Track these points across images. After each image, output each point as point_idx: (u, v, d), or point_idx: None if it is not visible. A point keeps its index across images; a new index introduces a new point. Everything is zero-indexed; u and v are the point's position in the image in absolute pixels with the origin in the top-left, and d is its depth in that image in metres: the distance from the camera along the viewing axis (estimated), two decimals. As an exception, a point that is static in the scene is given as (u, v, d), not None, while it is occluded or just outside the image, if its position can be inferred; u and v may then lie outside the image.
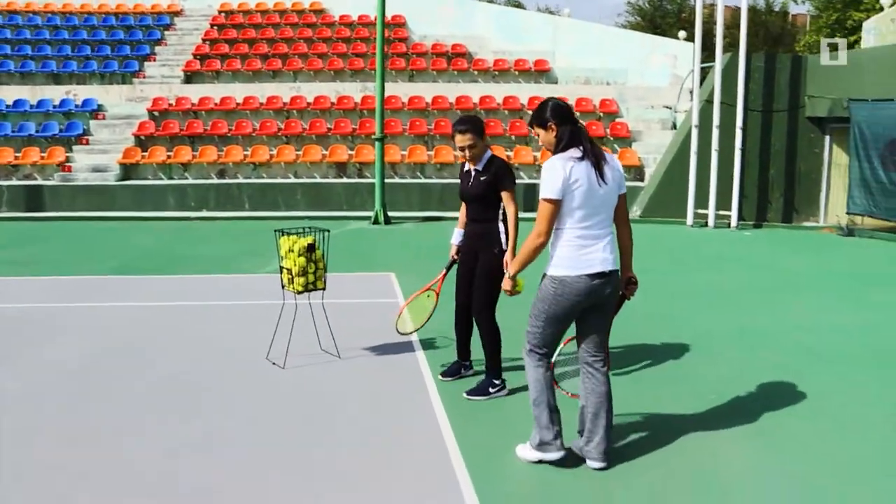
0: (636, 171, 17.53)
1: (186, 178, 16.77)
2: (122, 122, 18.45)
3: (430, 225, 14.73)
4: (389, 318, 6.36)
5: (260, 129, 17.80)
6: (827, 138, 15.64)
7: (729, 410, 4.87)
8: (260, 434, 4.44)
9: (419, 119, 18.24)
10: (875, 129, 13.73)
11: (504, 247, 4.86)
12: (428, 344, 6.23)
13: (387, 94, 19.12)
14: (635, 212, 15.78)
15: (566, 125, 3.92)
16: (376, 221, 14.63)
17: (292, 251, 5.55)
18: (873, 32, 16.35)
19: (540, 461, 4.00)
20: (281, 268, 5.68)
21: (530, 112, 18.76)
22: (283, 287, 5.74)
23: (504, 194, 4.86)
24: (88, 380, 5.36)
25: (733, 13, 49.94)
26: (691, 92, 20.92)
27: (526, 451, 4.07)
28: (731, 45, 22.69)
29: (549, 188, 3.82)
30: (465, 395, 5.00)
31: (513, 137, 18.10)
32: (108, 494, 3.70)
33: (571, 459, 4.01)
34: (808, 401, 5.07)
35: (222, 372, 5.59)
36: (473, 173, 4.97)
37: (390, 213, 14.92)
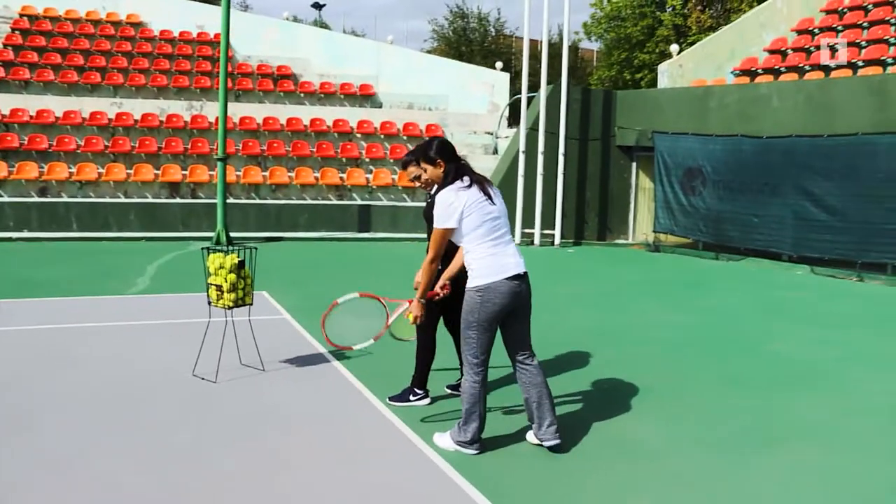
0: (464, 193, 18.55)
1: (1, 196, 15.48)
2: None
3: (274, 245, 14.74)
4: (288, 333, 6.58)
5: (85, 145, 16.82)
6: (634, 165, 17.58)
7: (630, 387, 5.71)
8: (230, 448, 4.55)
9: (251, 140, 18.12)
10: (675, 159, 15.69)
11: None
12: (338, 354, 6.52)
13: (216, 114, 18.86)
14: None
15: (452, 162, 4.48)
16: (218, 242, 14.39)
17: (223, 268, 5.66)
18: (666, 74, 18.62)
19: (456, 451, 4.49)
20: (209, 284, 5.75)
21: (360, 135, 19.46)
22: (209, 304, 5.81)
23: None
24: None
25: (532, 45, 53.80)
26: (508, 118, 22.57)
27: (445, 441, 4.53)
28: (531, 76, 24.60)
29: (442, 218, 4.35)
30: (387, 398, 5.35)
31: (344, 160, 18.48)
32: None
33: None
34: (682, 376, 6.02)
35: (156, 390, 5.52)
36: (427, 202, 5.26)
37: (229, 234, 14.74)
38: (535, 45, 54.23)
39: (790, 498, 4.06)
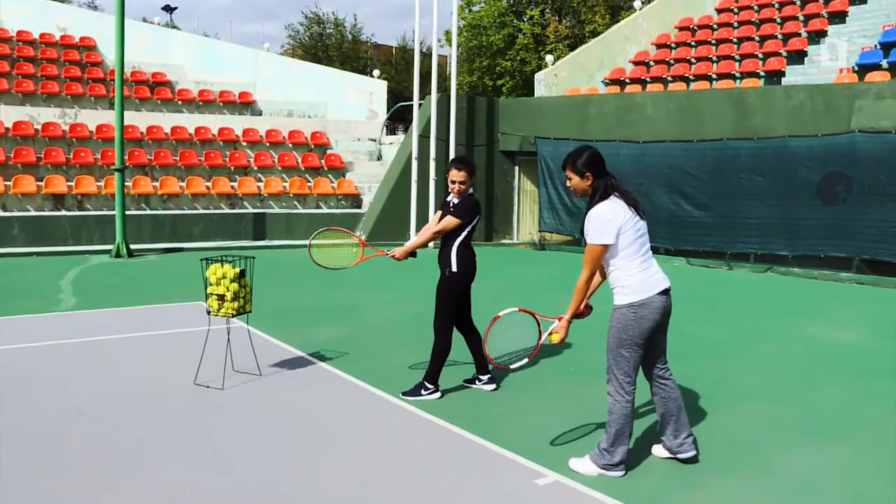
0: (353, 199, 19.01)
1: None
2: None
3: (176, 256, 14.58)
4: (251, 339, 6.90)
5: (-47, 156, 15.82)
6: (517, 169, 18.70)
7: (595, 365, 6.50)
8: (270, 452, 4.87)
9: (136, 149, 17.67)
10: (558, 163, 16.78)
11: (454, 269, 5.71)
12: (320, 355, 6.93)
13: (96, 122, 18.23)
14: (360, 236, 17.21)
15: (601, 177, 4.34)
16: (118, 255, 14.08)
17: (225, 277, 5.94)
18: (543, 84, 19.90)
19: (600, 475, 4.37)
20: (209, 294, 6.00)
21: (246, 143, 19.66)
22: (208, 313, 6.05)
23: (451, 217, 5.72)
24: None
25: (385, 51, 54.55)
26: (386, 126, 23.15)
27: (586, 467, 4.39)
28: (386, 79, 25.30)
29: (600, 234, 4.23)
30: (400, 394, 5.84)
31: (233, 168, 18.40)
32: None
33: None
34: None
35: (168, 400, 5.63)
36: (452, 205, 5.78)
37: (123, 246, 14.41)
38: (389, 51, 55.32)
39: (777, 433, 4.98)
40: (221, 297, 5.95)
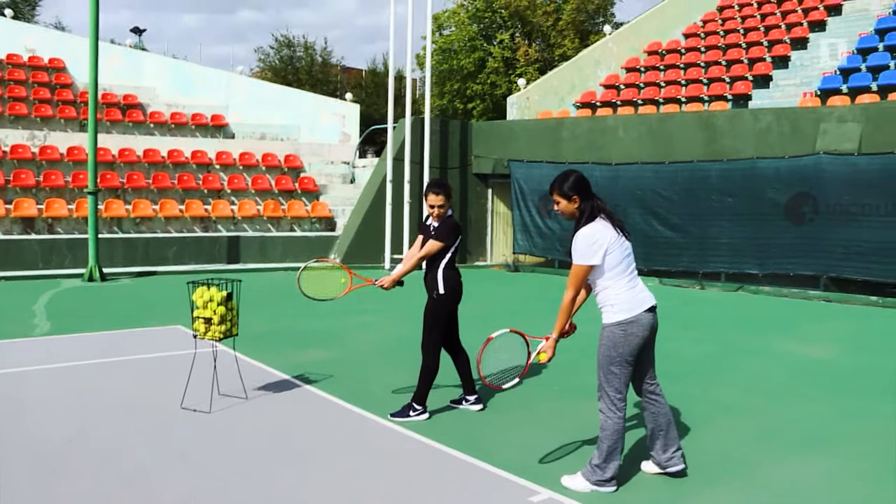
0: (328, 222, 19.02)
1: None
2: None
3: (149, 280, 14.44)
4: (234, 362, 6.87)
5: (-80, 179, 15.55)
6: (489, 191, 18.86)
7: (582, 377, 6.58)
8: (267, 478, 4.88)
9: (108, 171, 17.52)
10: (531, 185, 17.08)
11: (441, 291, 5.76)
12: (303, 377, 6.92)
13: (66, 144, 18.06)
14: (334, 259, 17.18)
15: (588, 199, 4.45)
16: (91, 279, 13.91)
17: (212, 301, 5.93)
18: (515, 107, 20.17)
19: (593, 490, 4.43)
20: (195, 318, 5.98)
21: (219, 166, 19.61)
22: (195, 336, 6.03)
23: (433, 241, 5.78)
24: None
25: (355, 74, 54.72)
26: (359, 150, 23.21)
27: (578, 483, 4.45)
28: (358, 102, 25.40)
29: (587, 255, 4.35)
30: (389, 415, 5.84)
31: (206, 192, 18.32)
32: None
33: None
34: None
35: (157, 425, 5.58)
36: (432, 228, 5.84)
37: (94, 270, 14.24)
38: (359, 74, 55.44)
39: (761, 446, 5.09)
40: (208, 321, 5.94)
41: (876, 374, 7.59)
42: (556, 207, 4.58)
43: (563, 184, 4.49)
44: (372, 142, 32.67)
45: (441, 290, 5.79)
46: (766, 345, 9.05)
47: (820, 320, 11.09)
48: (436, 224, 5.83)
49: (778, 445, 5.36)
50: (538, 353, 4.59)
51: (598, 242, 4.35)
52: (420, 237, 5.99)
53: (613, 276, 4.39)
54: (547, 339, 4.59)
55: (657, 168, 14.90)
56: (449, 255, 5.82)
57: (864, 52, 17.19)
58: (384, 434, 5.50)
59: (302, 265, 6.17)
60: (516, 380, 4.80)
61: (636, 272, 4.51)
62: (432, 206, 5.78)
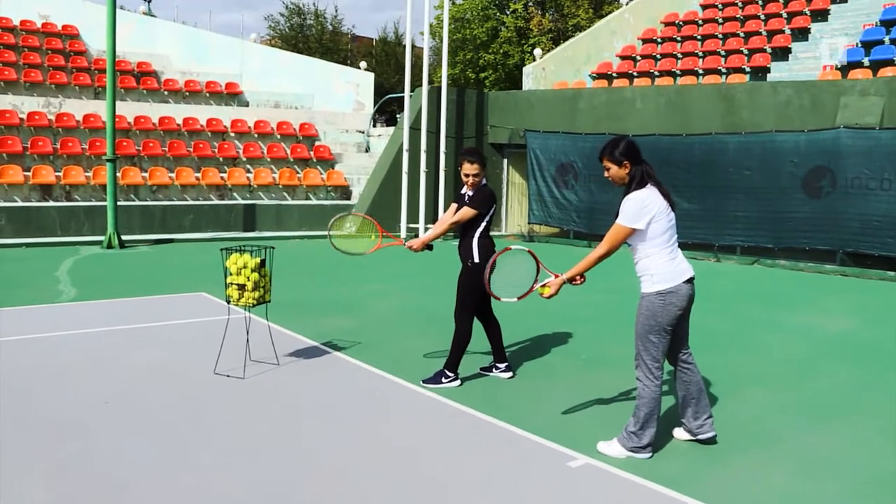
0: (343, 191, 19.07)
1: None
2: None
3: (167, 247, 14.55)
4: (262, 329, 6.96)
5: (-63, 144, 15.62)
6: (505, 161, 18.84)
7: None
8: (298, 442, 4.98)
9: (124, 139, 17.54)
10: (547, 155, 17.07)
11: (476, 259, 5.80)
12: (336, 346, 7.03)
13: (82, 112, 18.08)
14: (350, 228, 17.24)
15: (638, 165, 4.51)
16: (110, 245, 14.02)
17: (246, 267, 6.01)
18: (531, 77, 20.05)
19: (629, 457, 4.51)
20: (228, 283, 6.07)
21: (234, 134, 19.56)
22: (228, 303, 6.12)
23: (467, 208, 5.83)
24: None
25: (366, 43, 54.39)
26: (374, 118, 23.18)
27: (614, 449, 4.54)
28: (371, 70, 25.29)
29: (632, 217, 4.42)
30: (421, 381, 5.95)
31: (222, 160, 18.35)
32: None
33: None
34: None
35: (192, 391, 5.70)
36: (467, 197, 5.89)
37: (113, 237, 14.34)
38: (369, 42, 55.09)
39: (788, 416, 5.18)
40: (242, 287, 6.02)
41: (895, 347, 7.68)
42: (606, 174, 4.63)
43: (615, 149, 4.53)
44: (382, 111, 32.59)
45: (476, 259, 5.83)
46: (784, 317, 9.12)
47: (837, 294, 11.14)
48: (470, 193, 5.88)
49: (803, 414, 5.46)
50: (543, 286, 4.69)
51: (647, 208, 4.40)
52: (454, 204, 6.04)
53: (656, 246, 4.44)
54: (556, 276, 4.67)
55: (674, 140, 14.86)
56: (484, 224, 5.86)
57: (887, 24, 17.01)
58: (418, 400, 5.60)
59: (336, 216, 6.24)
60: (514, 299, 4.85)
61: (677, 244, 4.54)
62: (467, 175, 5.80)
